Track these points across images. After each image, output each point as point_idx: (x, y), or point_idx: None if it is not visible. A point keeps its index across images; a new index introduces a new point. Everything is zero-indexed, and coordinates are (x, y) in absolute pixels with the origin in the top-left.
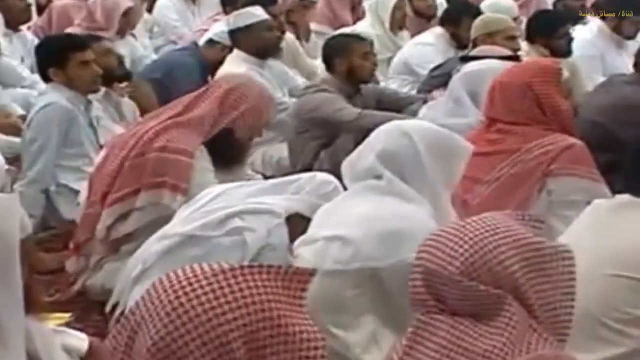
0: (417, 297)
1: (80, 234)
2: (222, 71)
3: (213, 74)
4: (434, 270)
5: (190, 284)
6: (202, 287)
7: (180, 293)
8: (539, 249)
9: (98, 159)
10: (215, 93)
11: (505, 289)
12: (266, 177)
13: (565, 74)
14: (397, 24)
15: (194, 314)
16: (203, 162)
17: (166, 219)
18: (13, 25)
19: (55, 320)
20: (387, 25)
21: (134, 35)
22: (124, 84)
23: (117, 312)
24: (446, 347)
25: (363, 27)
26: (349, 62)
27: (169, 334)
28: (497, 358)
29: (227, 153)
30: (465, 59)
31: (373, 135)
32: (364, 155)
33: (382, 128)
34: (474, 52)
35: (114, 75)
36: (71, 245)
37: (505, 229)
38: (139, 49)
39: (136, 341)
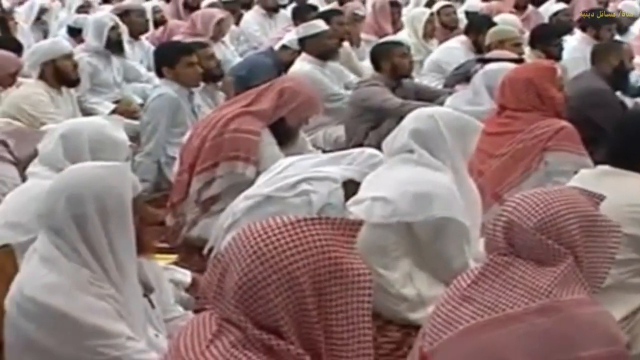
0: (494, 240)
1: (174, 196)
2: (292, 70)
3: (285, 72)
4: (515, 221)
5: (266, 232)
6: (275, 234)
7: (259, 239)
8: (596, 220)
9: (185, 136)
10: (275, 89)
11: (564, 246)
12: (325, 152)
13: (559, 72)
14: (428, 34)
15: (270, 256)
16: (268, 138)
17: (242, 184)
18: (135, 35)
19: (165, 260)
20: (420, 34)
21: (223, 42)
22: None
23: (212, 255)
24: (510, 282)
25: (401, 36)
26: (391, 62)
27: (250, 271)
28: (545, 292)
29: (281, 135)
30: (481, 60)
31: (406, 119)
32: (399, 134)
33: (413, 113)
34: (488, 55)
35: (212, 74)
36: (168, 204)
37: (574, 201)
38: (226, 53)
39: (226, 277)
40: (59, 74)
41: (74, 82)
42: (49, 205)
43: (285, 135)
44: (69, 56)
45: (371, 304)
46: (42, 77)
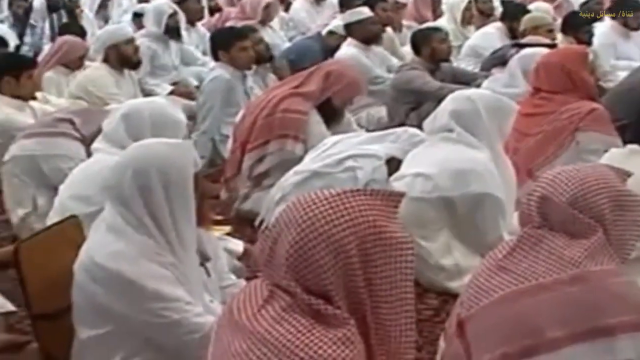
0: (528, 213)
1: (228, 171)
2: (338, 54)
3: (331, 56)
4: (549, 196)
5: (315, 203)
6: (324, 205)
7: (309, 209)
8: (624, 195)
9: (238, 116)
10: (321, 72)
11: (594, 219)
12: (368, 131)
13: (590, 56)
14: (466, 20)
15: (319, 225)
16: (315, 118)
17: (291, 160)
18: (191, 21)
19: (219, 231)
20: (459, 20)
21: (271, 27)
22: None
23: (263, 226)
24: (543, 253)
25: (441, 22)
26: (431, 46)
27: (300, 239)
28: (575, 263)
29: (327, 115)
30: (517, 46)
31: (445, 100)
32: (439, 115)
33: (452, 95)
34: (523, 41)
35: (263, 57)
36: (222, 180)
37: (604, 177)
38: (274, 37)
39: (277, 245)
40: (122, 58)
41: (135, 65)
42: (116, 178)
43: (331, 114)
44: (130, 41)
45: (413, 270)
46: (106, 60)
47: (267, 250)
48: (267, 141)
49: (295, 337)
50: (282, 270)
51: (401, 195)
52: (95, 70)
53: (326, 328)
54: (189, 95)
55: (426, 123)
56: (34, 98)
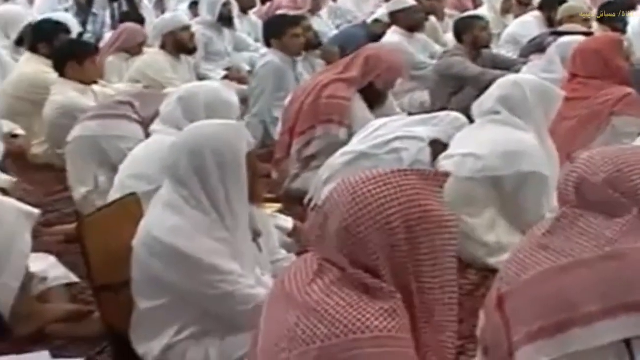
0: (565, 193)
1: (277, 154)
2: (383, 41)
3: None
4: (585, 176)
5: (364, 182)
6: (372, 183)
7: (357, 188)
8: None
9: (286, 101)
10: (361, 58)
11: (630, 199)
12: (411, 114)
13: (625, 44)
14: (505, 9)
15: (367, 202)
16: (359, 103)
17: (337, 144)
18: (244, 10)
19: (270, 209)
20: (498, 9)
21: (320, 16)
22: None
23: (312, 204)
24: (580, 232)
25: (482, 11)
26: (472, 34)
27: (350, 216)
28: (612, 241)
29: (371, 98)
30: (555, 33)
31: (494, 85)
32: (487, 99)
33: (500, 80)
34: (561, 29)
35: (312, 44)
36: (273, 161)
37: (639, 158)
38: (322, 25)
39: (328, 221)
40: (178, 44)
41: (191, 51)
42: (173, 158)
43: (375, 98)
44: (187, 28)
45: (456, 247)
46: (163, 46)
47: (318, 226)
48: (313, 126)
49: (343, 308)
50: (332, 245)
51: (446, 175)
52: (153, 56)
53: (373, 300)
54: (242, 80)
55: (474, 106)
56: (96, 82)
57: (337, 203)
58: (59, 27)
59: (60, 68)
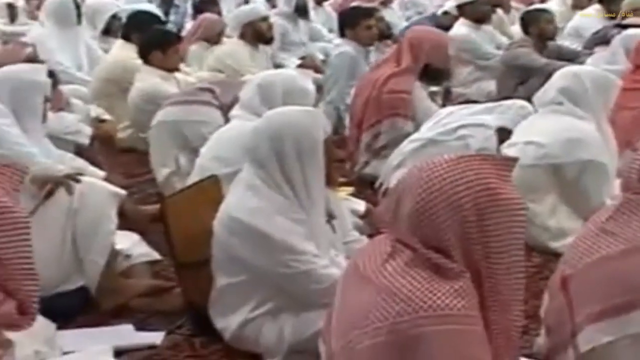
0: (629, 180)
1: (349, 146)
2: (451, 32)
3: None
4: None
5: (436, 166)
6: (444, 167)
7: (430, 172)
8: None
9: (351, 94)
10: (405, 45)
11: None
12: (478, 103)
13: None
14: (576, 4)
15: (439, 186)
16: (420, 93)
17: (404, 135)
18: (319, 1)
19: (343, 192)
20: (569, 3)
21: (391, 8)
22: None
23: (382, 188)
24: None
25: (552, 5)
26: (539, 26)
27: (422, 199)
28: None
29: (434, 77)
30: (619, 26)
31: (554, 76)
32: (548, 89)
33: (560, 71)
34: (625, 22)
35: (384, 34)
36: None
37: None
38: (393, 17)
39: (400, 204)
40: (257, 34)
41: (268, 41)
42: (254, 142)
43: (438, 76)
44: (265, 19)
45: (524, 229)
46: (242, 36)
47: (391, 208)
48: (379, 120)
49: (415, 288)
50: (405, 227)
51: (514, 160)
52: (232, 45)
53: (444, 280)
54: (316, 69)
55: (536, 97)
56: (178, 70)
57: (410, 186)
58: (153, 18)
59: (145, 56)
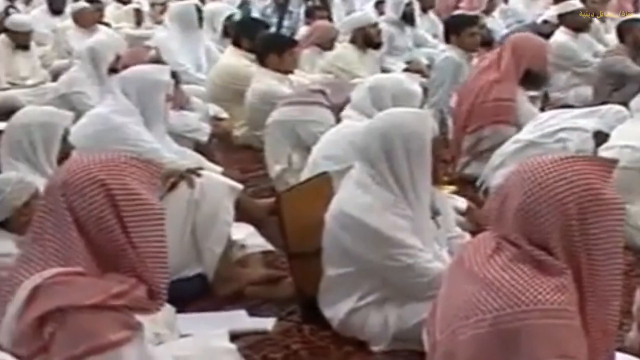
0: None
1: (453, 148)
2: (551, 40)
3: None
4: None
5: (541, 166)
6: (549, 168)
7: (535, 172)
8: None
9: (454, 98)
10: (507, 50)
11: None
12: (572, 108)
13: None
14: None
15: (544, 185)
16: (521, 98)
17: (506, 139)
18: (424, 9)
19: (447, 190)
20: None
21: (493, 16)
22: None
23: (483, 187)
24: None
25: None
26: (633, 35)
27: (528, 198)
28: None
29: (534, 82)
30: None
31: None
32: None
33: None
34: None
35: (485, 41)
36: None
37: None
38: (494, 25)
39: (506, 203)
40: (367, 39)
41: (377, 46)
42: (365, 142)
43: (537, 81)
44: (375, 25)
45: (623, 228)
46: (353, 40)
47: (496, 207)
48: (482, 126)
49: (519, 283)
50: (510, 224)
51: (614, 162)
52: (343, 49)
53: (546, 276)
54: (421, 73)
55: (633, 102)
56: (292, 72)
57: (516, 185)
58: (260, 24)
59: (261, 59)
